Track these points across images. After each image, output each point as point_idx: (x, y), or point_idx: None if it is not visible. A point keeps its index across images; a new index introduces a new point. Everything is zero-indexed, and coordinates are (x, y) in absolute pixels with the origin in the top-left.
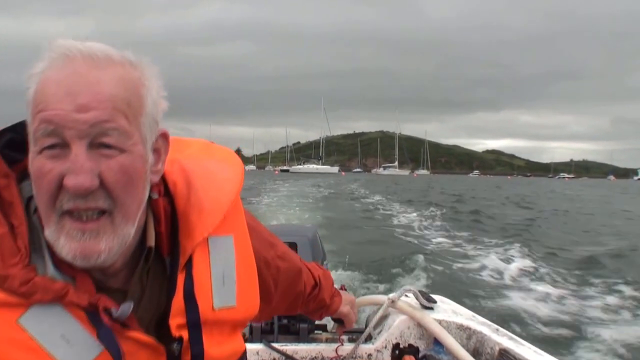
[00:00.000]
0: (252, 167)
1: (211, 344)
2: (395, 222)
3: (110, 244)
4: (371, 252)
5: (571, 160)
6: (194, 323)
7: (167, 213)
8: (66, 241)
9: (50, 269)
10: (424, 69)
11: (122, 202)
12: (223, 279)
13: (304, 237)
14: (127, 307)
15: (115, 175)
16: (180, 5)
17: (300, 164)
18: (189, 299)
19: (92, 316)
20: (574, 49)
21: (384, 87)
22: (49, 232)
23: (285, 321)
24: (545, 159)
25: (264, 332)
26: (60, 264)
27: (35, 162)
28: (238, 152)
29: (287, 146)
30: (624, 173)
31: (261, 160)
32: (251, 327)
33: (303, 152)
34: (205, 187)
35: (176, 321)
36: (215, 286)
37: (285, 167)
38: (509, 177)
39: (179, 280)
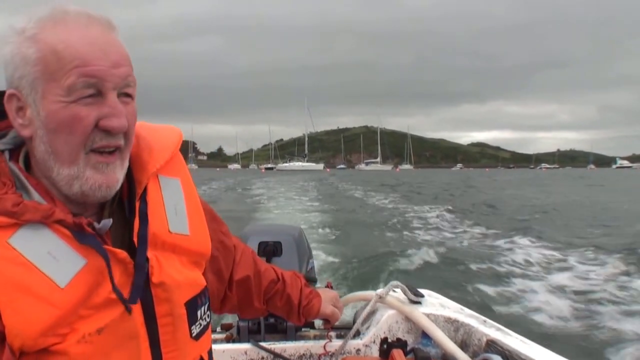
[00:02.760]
0: (236, 165)
1: (171, 266)
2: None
3: (120, 175)
4: None
5: (558, 150)
6: (143, 237)
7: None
8: (92, 173)
9: (36, 196)
10: (403, 61)
11: (129, 141)
12: (175, 210)
13: (289, 237)
14: (107, 222)
15: (132, 118)
16: (145, 0)
17: (285, 162)
18: (143, 218)
19: (76, 234)
20: (557, 37)
21: (365, 81)
22: (70, 170)
23: (272, 320)
24: (532, 149)
25: (251, 331)
26: (44, 195)
27: (67, 110)
28: (220, 151)
29: (271, 144)
30: (609, 162)
31: (244, 158)
32: (238, 327)
33: (286, 149)
34: (151, 135)
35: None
36: (169, 214)
37: (270, 165)
38: (486, 169)
39: (136, 206)
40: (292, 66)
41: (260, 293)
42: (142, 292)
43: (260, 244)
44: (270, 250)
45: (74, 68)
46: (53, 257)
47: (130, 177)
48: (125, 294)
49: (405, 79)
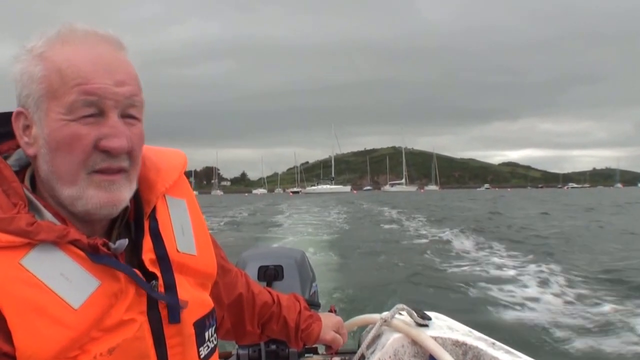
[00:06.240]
0: (262, 190)
1: (180, 286)
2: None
3: (126, 195)
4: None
5: (593, 169)
6: (163, 256)
7: None
8: (95, 192)
9: (49, 216)
10: (427, 77)
11: (136, 163)
12: (182, 230)
13: (291, 260)
14: (123, 242)
15: (137, 140)
16: (154, 26)
17: (313, 185)
18: (155, 236)
19: (90, 254)
20: (588, 51)
21: (389, 99)
22: (71, 191)
23: (273, 347)
24: (568, 168)
25: (251, 359)
26: (55, 216)
27: (67, 128)
28: (243, 176)
29: (296, 167)
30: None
31: (269, 183)
32: (238, 356)
33: (312, 172)
34: (157, 157)
35: (148, 256)
36: (177, 233)
37: (296, 189)
38: (509, 189)
39: (145, 225)
40: (311, 87)
41: (253, 316)
42: (152, 312)
43: (260, 268)
44: (270, 274)
45: (76, 86)
46: (66, 279)
47: (137, 197)
48: (138, 313)
49: (431, 96)
